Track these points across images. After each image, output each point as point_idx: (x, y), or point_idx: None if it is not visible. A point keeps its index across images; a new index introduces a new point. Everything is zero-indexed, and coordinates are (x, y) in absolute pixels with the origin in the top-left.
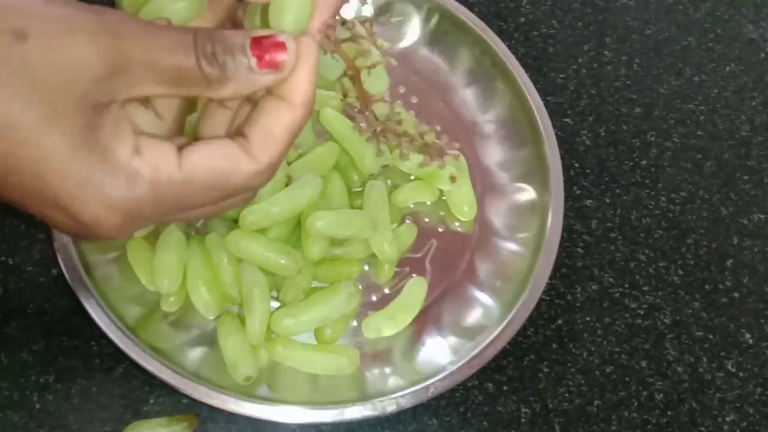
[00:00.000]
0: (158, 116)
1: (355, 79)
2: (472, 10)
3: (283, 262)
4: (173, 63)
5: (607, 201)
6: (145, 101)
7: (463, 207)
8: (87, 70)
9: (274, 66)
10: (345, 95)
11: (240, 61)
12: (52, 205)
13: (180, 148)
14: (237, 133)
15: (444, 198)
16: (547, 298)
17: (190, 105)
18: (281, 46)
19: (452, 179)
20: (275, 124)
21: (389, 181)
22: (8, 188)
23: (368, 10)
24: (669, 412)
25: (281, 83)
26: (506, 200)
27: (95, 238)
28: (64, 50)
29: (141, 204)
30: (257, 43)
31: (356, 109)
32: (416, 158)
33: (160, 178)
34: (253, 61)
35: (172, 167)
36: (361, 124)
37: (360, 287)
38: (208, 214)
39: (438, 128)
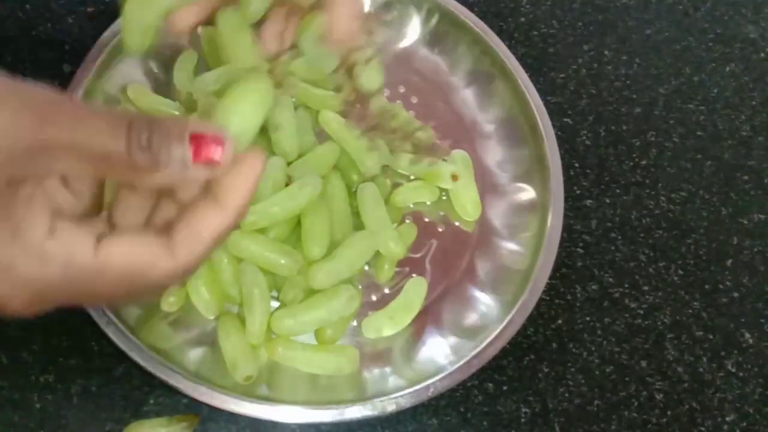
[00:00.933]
0: (76, 195)
1: (350, 73)
2: (472, 10)
3: (282, 262)
4: (101, 147)
5: (607, 201)
6: (64, 179)
7: (468, 207)
8: (3, 144)
9: (209, 163)
10: (338, 90)
11: (175, 153)
12: None
13: (99, 237)
14: (163, 228)
15: (444, 198)
16: (547, 298)
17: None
18: (219, 143)
19: (454, 177)
20: (202, 225)
21: (388, 181)
22: None
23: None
24: (669, 412)
25: (218, 185)
26: (506, 200)
27: (2, 313)
28: None
29: (51, 287)
30: (196, 137)
31: (349, 105)
32: (406, 157)
33: (72, 264)
34: (189, 154)
35: (87, 255)
36: (354, 120)
37: (360, 287)
38: (119, 302)
39: (432, 124)
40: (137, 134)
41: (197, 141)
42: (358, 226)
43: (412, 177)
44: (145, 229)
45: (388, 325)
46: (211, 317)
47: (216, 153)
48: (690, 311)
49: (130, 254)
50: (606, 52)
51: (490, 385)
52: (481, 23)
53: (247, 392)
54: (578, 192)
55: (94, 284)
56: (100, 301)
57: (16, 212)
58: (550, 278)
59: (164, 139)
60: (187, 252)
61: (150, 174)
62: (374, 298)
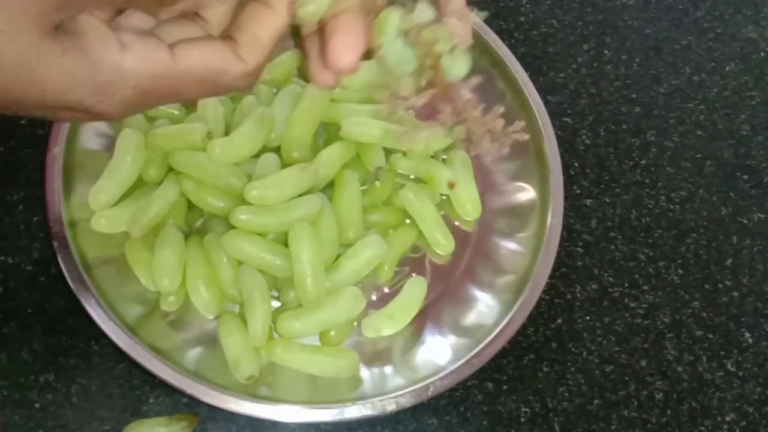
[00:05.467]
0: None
1: (436, 68)
2: (472, 9)
3: (278, 263)
4: None
5: (607, 200)
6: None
7: (468, 206)
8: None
9: None
10: (422, 88)
11: None
12: (57, 107)
13: (171, 45)
14: (225, 36)
15: (444, 197)
16: (547, 297)
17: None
18: None
19: (450, 185)
20: (261, 30)
21: (389, 182)
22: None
23: None
24: (669, 412)
25: None
26: (506, 200)
27: (97, 119)
28: None
29: (141, 95)
30: None
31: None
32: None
33: (156, 72)
34: None
35: (167, 61)
36: (447, 114)
37: (360, 286)
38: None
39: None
40: None
41: None
42: (369, 224)
43: (412, 177)
44: (210, 37)
45: (387, 324)
46: (211, 317)
47: None
48: (690, 311)
49: (206, 58)
50: (606, 52)
51: (490, 384)
52: (481, 23)
53: (247, 391)
54: (578, 192)
55: (176, 89)
56: (182, 101)
57: (85, 43)
58: (550, 278)
59: None
60: (253, 55)
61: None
62: (374, 297)
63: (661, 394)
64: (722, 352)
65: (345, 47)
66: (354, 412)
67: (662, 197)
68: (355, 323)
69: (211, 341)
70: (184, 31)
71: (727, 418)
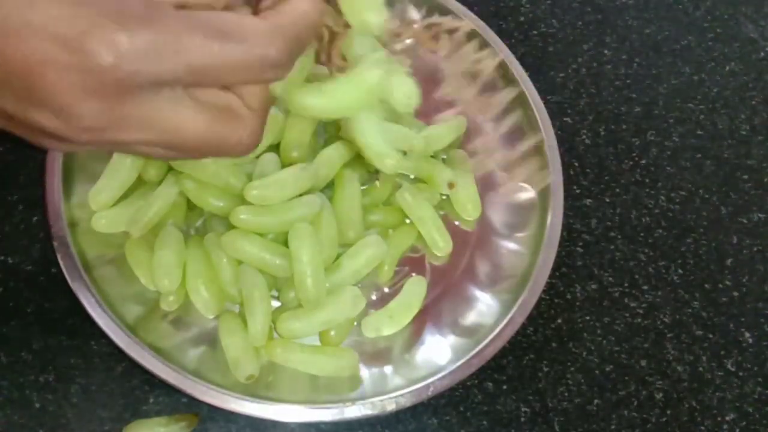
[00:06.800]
0: None
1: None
2: (471, 9)
3: (278, 262)
4: None
5: (607, 200)
6: None
7: (467, 206)
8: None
9: None
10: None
11: None
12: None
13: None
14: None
15: (444, 197)
16: (547, 297)
17: None
18: None
19: (450, 185)
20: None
21: (389, 182)
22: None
23: None
24: (669, 412)
25: None
26: (506, 199)
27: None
28: None
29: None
30: None
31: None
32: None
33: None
34: None
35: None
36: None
37: (359, 286)
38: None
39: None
40: None
41: None
42: (369, 224)
43: (412, 177)
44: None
45: (387, 324)
46: (211, 316)
47: None
48: (690, 311)
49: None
50: (605, 52)
51: (490, 384)
52: (481, 23)
53: (247, 391)
54: (578, 191)
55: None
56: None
57: None
58: (550, 277)
59: None
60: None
61: None
62: (374, 297)
63: (661, 394)
64: (722, 352)
65: None
66: (354, 412)
67: (662, 197)
68: (355, 323)
69: (211, 341)
70: None
71: (727, 418)
